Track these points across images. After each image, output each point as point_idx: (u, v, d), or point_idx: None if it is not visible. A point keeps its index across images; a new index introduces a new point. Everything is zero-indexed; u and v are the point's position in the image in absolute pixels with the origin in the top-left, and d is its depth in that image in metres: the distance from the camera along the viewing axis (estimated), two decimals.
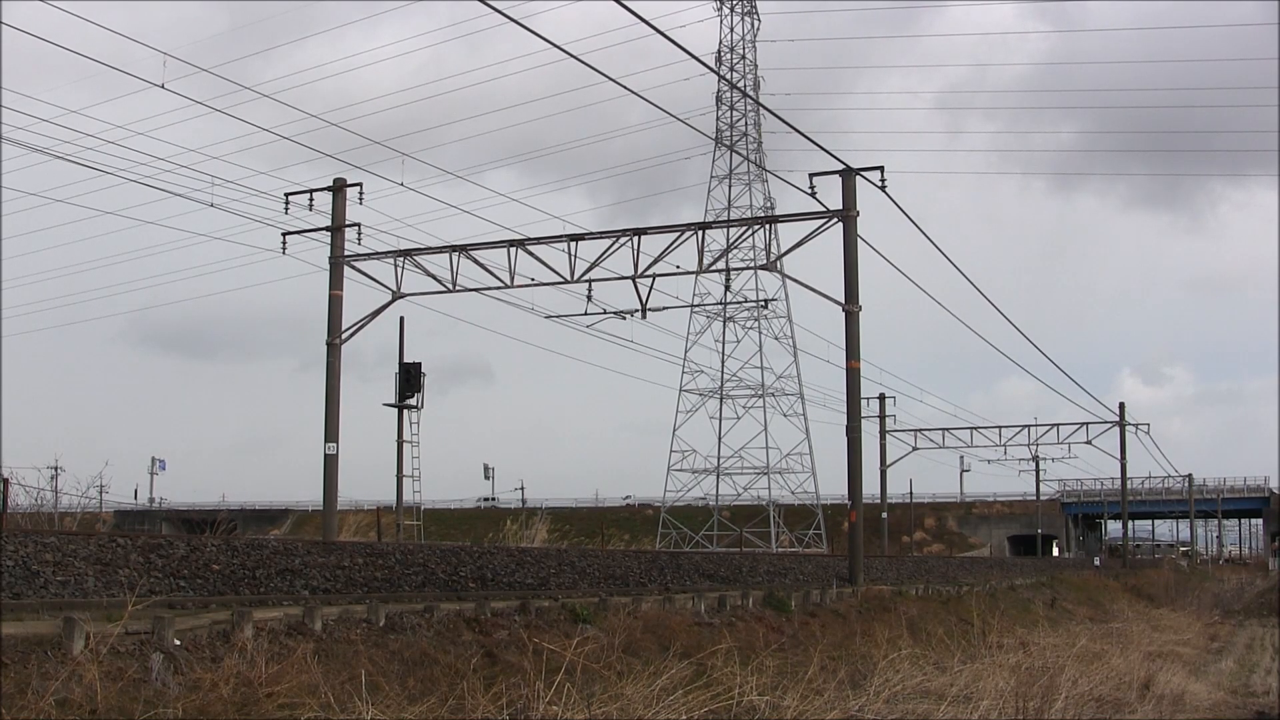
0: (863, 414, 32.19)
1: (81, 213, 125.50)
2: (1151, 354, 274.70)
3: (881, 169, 29.24)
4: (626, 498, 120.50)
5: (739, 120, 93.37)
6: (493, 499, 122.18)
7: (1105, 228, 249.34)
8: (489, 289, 33.21)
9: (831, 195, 30.33)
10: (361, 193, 33.61)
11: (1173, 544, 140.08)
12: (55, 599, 12.88)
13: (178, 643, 10.78)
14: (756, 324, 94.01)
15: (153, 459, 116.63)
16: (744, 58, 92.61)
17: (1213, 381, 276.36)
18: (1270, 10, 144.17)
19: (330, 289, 33.64)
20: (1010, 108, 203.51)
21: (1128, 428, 72.95)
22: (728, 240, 32.70)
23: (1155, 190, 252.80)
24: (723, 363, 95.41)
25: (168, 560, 15.83)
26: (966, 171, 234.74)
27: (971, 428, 74.14)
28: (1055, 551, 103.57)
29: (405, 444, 35.22)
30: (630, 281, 31.62)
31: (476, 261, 32.91)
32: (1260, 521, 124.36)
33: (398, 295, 33.74)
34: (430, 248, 33.63)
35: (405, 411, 35.13)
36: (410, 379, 34.91)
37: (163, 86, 23.00)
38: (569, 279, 31.89)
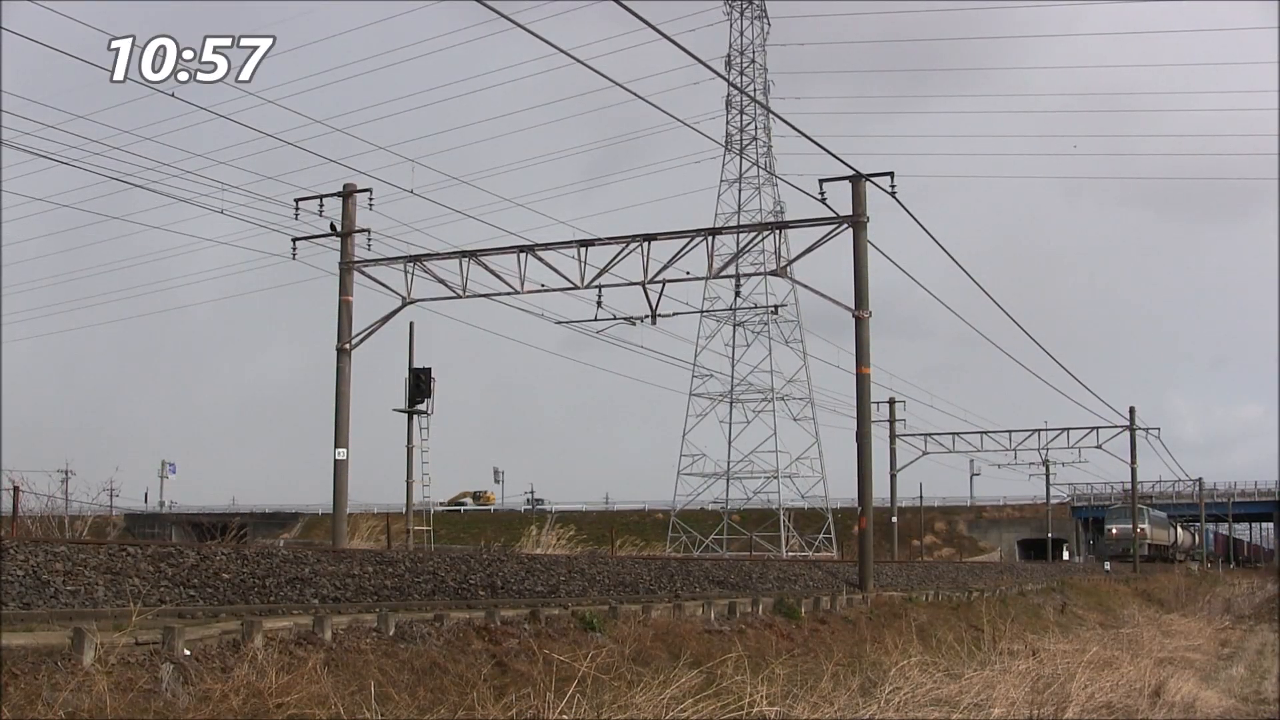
0: (873, 418, 32.08)
1: (87, 218, 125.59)
2: (1164, 356, 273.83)
3: (891, 174, 29.10)
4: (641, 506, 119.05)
5: (749, 124, 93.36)
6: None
7: (1117, 230, 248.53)
8: (499, 294, 33.16)
9: (843, 201, 30.24)
10: (371, 198, 33.66)
11: None
12: (65, 609, 12.87)
13: (187, 653, 10.76)
14: (766, 328, 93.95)
15: (163, 462, 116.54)
16: (754, 61, 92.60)
17: (1226, 384, 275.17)
18: (1271, 11, 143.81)
19: (340, 295, 33.67)
20: (1030, 111, 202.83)
21: (1138, 432, 72.76)
22: (738, 245, 32.56)
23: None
24: (733, 367, 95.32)
25: (177, 569, 15.84)
26: (984, 176, 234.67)
27: (981, 431, 73.87)
28: (1065, 555, 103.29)
29: (414, 449, 35.32)
30: (640, 287, 31.59)
31: (486, 267, 32.88)
32: (1271, 525, 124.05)
33: (408, 301, 33.72)
34: (440, 253, 33.57)
35: (415, 417, 35.21)
36: (420, 384, 34.98)
37: (172, 95, 23.01)
38: (579, 285, 31.84)
